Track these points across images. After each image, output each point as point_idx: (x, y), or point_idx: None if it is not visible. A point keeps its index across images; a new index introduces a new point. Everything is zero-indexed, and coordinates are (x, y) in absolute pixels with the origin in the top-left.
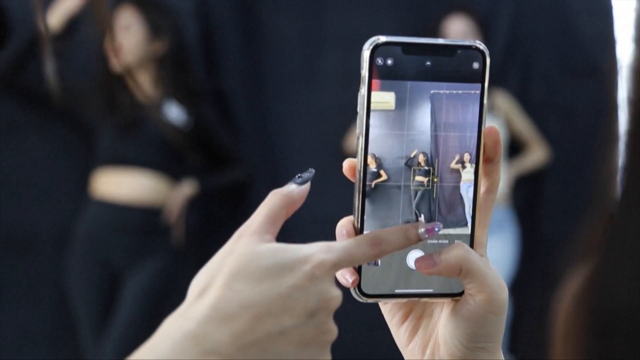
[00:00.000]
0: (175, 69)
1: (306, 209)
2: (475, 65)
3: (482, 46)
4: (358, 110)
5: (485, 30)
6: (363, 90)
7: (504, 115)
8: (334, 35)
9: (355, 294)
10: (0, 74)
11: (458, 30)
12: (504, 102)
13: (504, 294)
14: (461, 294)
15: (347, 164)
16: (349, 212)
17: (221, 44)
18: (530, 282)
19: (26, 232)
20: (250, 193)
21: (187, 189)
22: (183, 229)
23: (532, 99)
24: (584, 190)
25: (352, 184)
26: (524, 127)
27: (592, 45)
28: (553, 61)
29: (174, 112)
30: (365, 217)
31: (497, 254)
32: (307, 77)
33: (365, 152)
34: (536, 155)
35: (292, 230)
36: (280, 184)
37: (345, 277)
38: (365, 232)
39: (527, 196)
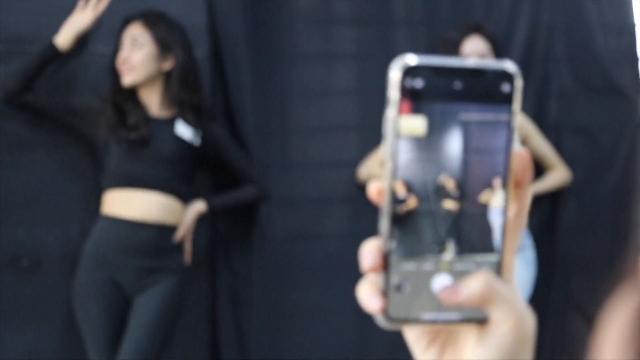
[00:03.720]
0: (185, 86)
1: (319, 226)
2: (506, 88)
3: (513, 69)
4: (386, 133)
5: (500, 49)
6: (391, 112)
7: (521, 135)
8: (345, 52)
9: (380, 320)
10: (9, 91)
11: (473, 49)
12: (521, 121)
13: (529, 323)
14: (488, 318)
15: (374, 187)
16: (361, 228)
17: (232, 60)
18: (549, 303)
19: (34, 251)
20: (260, 211)
21: (197, 207)
22: (193, 247)
23: (549, 118)
24: (602, 211)
25: (366, 203)
26: (542, 146)
27: (611, 63)
28: (571, 80)
29: (184, 130)
30: (392, 242)
31: (516, 275)
32: (318, 94)
33: (394, 177)
34: (557, 176)
35: (303, 248)
36: (290, 202)
37: (372, 302)
38: (392, 257)
39: (545, 216)
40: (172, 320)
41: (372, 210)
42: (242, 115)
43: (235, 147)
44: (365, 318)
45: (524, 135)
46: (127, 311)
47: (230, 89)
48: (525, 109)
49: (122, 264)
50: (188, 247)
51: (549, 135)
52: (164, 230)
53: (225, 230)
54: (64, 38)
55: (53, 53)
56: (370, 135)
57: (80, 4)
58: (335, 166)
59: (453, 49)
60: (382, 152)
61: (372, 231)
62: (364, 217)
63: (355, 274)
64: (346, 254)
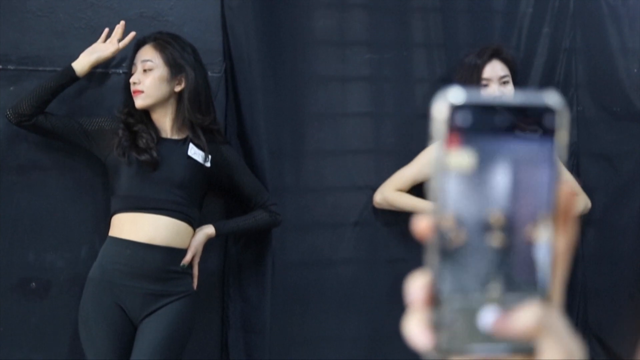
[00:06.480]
0: (197, 107)
1: (333, 252)
2: (550, 121)
3: (557, 103)
4: (432, 170)
5: (519, 73)
6: (438, 148)
7: None
8: (361, 74)
9: (429, 354)
10: (22, 112)
11: (492, 74)
12: None
13: (578, 355)
14: (536, 349)
15: (421, 223)
16: (376, 254)
17: (246, 82)
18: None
19: (44, 274)
20: (273, 236)
21: (206, 231)
22: (204, 272)
23: (568, 143)
24: (622, 240)
25: (381, 228)
26: (562, 173)
27: (632, 88)
28: (591, 105)
29: (196, 152)
30: (442, 279)
31: None
32: (333, 117)
33: (442, 212)
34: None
35: (316, 274)
36: (303, 226)
37: (422, 338)
38: (444, 295)
39: None
40: (179, 345)
41: (387, 235)
42: (256, 138)
43: (247, 171)
44: (379, 346)
45: None
46: (132, 336)
47: (244, 111)
48: None
49: (128, 287)
50: (195, 271)
51: (568, 161)
52: (172, 254)
53: (237, 255)
54: (82, 64)
55: (69, 77)
56: (385, 159)
57: (103, 35)
58: (350, 190)
59: (472, 73)
60: (424, 185)
61: (387, 257)
62: (379, 243)
63: (369, 301)
64: (360, 280)
